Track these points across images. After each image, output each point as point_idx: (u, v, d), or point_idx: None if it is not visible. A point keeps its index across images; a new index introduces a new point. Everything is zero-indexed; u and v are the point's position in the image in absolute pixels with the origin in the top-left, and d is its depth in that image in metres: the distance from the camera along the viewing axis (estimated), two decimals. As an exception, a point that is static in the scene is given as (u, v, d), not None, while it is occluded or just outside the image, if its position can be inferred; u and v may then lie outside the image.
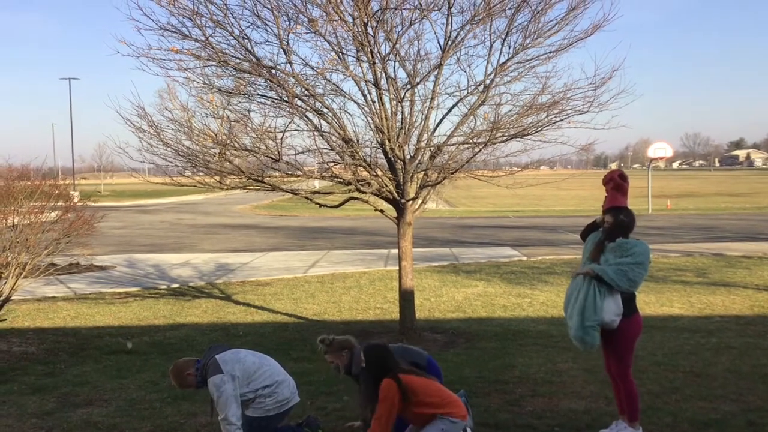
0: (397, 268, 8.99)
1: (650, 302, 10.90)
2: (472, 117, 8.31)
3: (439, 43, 8.14)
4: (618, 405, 5.51)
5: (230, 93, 8.24)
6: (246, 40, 7.79)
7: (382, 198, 8.61)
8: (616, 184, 5.41)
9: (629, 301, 5.25)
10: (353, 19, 7.75)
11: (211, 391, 4.69)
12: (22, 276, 9.00)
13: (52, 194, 10.47)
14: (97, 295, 12.72)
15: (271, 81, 7.83)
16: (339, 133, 8.21)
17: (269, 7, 7.67)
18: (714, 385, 6.66)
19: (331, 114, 8.18)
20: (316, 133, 8.24)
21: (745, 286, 12.25)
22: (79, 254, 12.35)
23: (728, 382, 6.74)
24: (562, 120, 8.24)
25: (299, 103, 7.98)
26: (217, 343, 7.65)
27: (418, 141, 8.37)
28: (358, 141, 8.33)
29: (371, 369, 4.65)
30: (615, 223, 5.31)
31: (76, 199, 12.05)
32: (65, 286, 13.70)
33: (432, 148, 8.45)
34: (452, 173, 8.46)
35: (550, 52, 8.26)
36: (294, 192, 8.70)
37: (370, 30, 7.75)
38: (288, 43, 7.80)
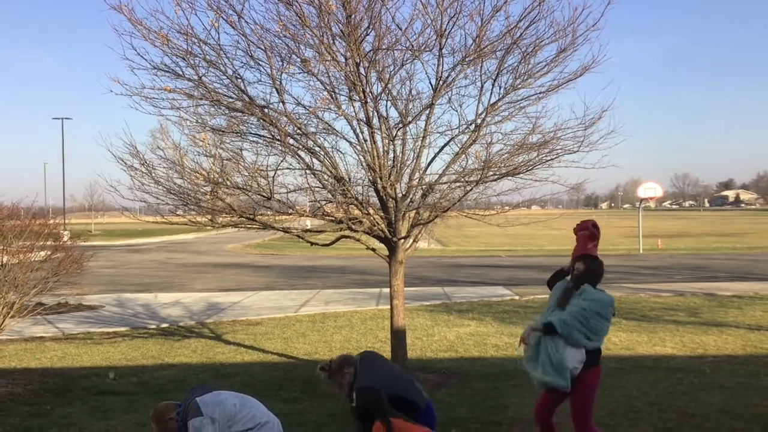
0: (389, 307, 8.94)
1: (642, 342, 10.86)
2: (463, 156, 8.37)
3: (430, 83, 8.23)
4: None
5: (223, 132, 8.28)
6: (239, 80, 7.86)
7: (374, 236, 8.61)
8: (591, 233, 5.41)
9: (595, 353, 5.17)
10: (345, 59, 7.84)
11: None
12: (9, 315, 8.90)
13: (41, 233, 10.42)
14: (86, 335, 12.56)
15: (264, 120, 7.89)
16: (331, 172, 8.24)
17: (262, 47, 7.76)
18: (708, 425, 6.60)
19: (323, 152, 8.22)
20: (308, 172, 8.27)
21: (737, 326, 12.23)
22: (67, 293, 12.24)
23: (722, 422, 6.68)
24: (552, 159, 8.32)
25: (291, 141, 8.03)
26: (205, 383, 7.55)
27: (410, 179, 8.40)
28: (349, 179, 8.36)
29: (363, 411, 4.59)
30: (585, 271, 5.27)
31: (66, 238, 12.00)
32: (53, 325, 13.54)
33: (424, 187, 8.48)
34: (444, 212, 8.48)
35: (540, 93, 8.36)
36: (286, 230, 8.68)
37: (362, 70, 7.84)
38: (281, 82, 7.88)
